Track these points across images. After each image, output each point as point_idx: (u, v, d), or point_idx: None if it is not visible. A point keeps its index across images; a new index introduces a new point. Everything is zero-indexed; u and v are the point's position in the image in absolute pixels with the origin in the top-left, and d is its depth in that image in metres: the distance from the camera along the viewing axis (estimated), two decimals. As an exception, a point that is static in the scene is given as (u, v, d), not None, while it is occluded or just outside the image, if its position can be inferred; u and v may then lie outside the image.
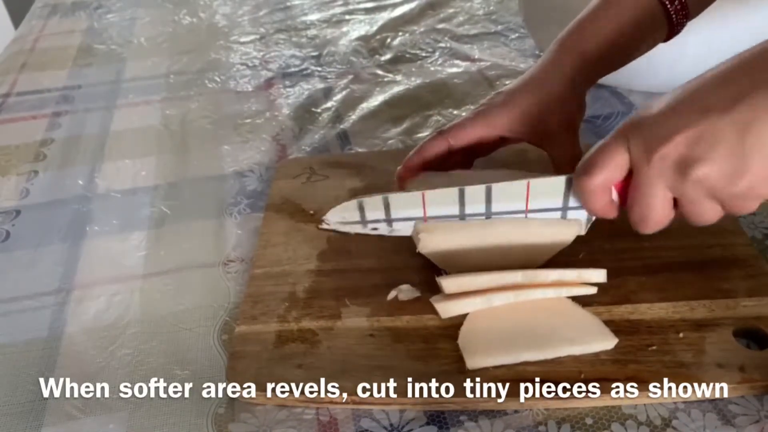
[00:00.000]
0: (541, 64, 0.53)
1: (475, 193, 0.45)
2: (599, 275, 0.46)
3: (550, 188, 0.45)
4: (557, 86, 0.51)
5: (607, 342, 0.43)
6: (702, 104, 0.37)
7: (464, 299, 0.45)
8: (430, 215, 0.47)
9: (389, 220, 0.48)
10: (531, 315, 0.45)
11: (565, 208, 0.45)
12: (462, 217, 0.46)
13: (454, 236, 0.47)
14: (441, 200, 0.46)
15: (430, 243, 0.47)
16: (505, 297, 0.45)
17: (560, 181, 0.44)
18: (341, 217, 0.48)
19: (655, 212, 0.40)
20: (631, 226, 0.41)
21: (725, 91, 0.36)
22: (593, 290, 0.46)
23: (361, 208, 0.48)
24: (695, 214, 0.40)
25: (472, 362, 0.42)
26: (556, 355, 0.43)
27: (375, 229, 0.48)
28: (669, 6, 0.50)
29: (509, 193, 0.45)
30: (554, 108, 0.51)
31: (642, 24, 0.51)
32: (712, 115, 0.36)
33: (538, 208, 0.45)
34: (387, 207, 0.47)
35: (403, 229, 0.48)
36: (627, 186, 0.41)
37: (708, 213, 0.39)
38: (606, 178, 0.40)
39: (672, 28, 0.52)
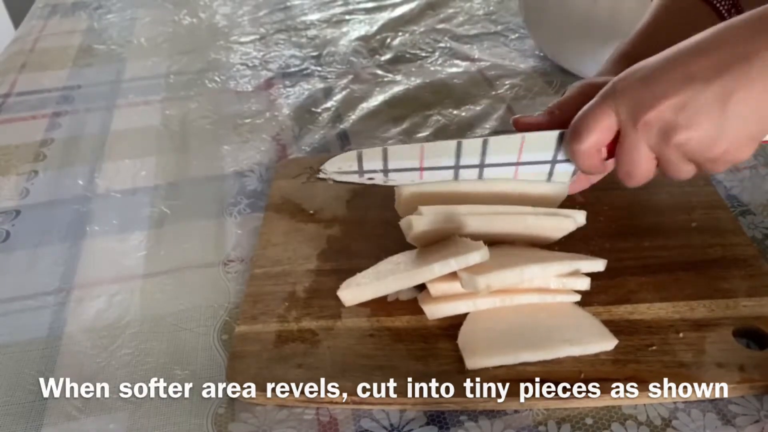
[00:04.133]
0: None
1: (471, 145, 0.46)
2: (597, 265, 0.46)
3: (543, 142, 0.46)
4: None
5: (607, 343, 0.43)
6: (685, 72, 0.39)
7: (450, 302, 0.45)
8: (427, 166, 0.47)
9: (386, 170, 0.48)
10: (531, 316, 0.45)
11: (554, 162, 0.47)
12: (456, 167, 0.47)
13: (444, 224, 0.46)
14: (438, 152, 0.47)
15: (420, 227, 0.46)
16: (491, 302, 0.45)
17: (553, 135, 0.46)
18: (338, 167, 0.48)
19: (640, 169, 0.43)
20: (619, 179, 0.44)
21: (707, 60, 0.39)
22: (576, 297, 0.46)
23: (360, 159, 0.48)
24: (673, 172, 0.43)
25: (472, 362, 0.42)
26: (555, 356, 0.43)
27: (371, 179, 0.48)
28: (726, 15, 0.50)
29: (504, 146, 0.46)
30: None
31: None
32: (696, 84, 0.39)
33: (530, 160, 0.47)
34: (385, 158, 0.47)
35: (398, 180, 0.48)
36: (614, 143, 0.43)
37: (683, 172, 0.43)
38: (596, 140, 0.43)
39: None
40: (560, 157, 0.47)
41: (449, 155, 0.47)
